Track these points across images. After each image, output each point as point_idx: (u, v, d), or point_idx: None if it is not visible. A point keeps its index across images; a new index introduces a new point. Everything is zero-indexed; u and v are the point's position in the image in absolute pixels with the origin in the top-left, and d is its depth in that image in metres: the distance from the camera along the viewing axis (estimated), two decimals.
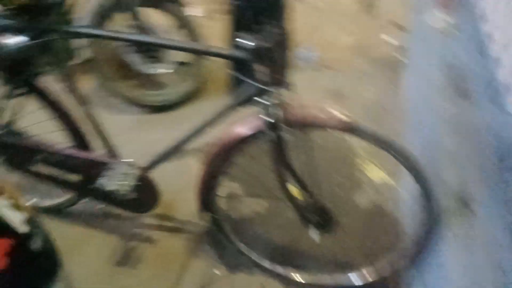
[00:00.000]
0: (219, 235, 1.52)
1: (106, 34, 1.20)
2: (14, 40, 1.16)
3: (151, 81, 2.30)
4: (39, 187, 1.62)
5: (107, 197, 1.43)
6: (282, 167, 1.21)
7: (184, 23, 2.10)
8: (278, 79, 1.07)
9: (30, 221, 0.74)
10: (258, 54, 1.00)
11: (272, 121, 1.08)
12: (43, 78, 1.34)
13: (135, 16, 1.95)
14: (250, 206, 1.77)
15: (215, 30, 2.17)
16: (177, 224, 1.74)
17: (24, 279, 0.76)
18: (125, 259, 1.62)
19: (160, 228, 1.73)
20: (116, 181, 1.30)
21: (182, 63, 2.20)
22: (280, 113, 1.08)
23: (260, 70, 1.03)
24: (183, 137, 1.26)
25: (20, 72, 1.28)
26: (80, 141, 1.44)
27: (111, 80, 2.19)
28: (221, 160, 1.27)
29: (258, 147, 1.21)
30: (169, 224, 1.75)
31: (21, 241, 0.72)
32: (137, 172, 1.34)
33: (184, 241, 1.67)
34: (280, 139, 1.13)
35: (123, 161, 1.34)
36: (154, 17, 2.07)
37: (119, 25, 1.98)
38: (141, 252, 1.64)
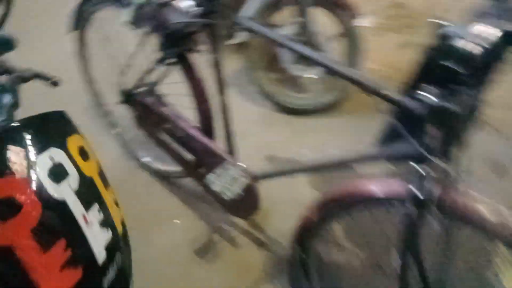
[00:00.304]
0: (302, 273, 1.35)
1: (267, 34, 1.09)
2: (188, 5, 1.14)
3: (293, 82, 2.19)
4: (156, 150, 1.66)
5: (209, 189, 1.38)
6: (407, 247, 0.98)
7: (349, 33, 1.92)
8: (448, 151, 0.84)
9: (115, 242, 0.59)
10: (438, 115, 0.78)
11: (421, 197, 0.85)
12: (194, 54, 1.31)
13: (302, 13, 1.85)
14: (349, 264, 1.56)
15: (378, 47, 1.94)
16: (265, 239, 1.63)
17: None
18: (205, 250, 1.58)
19: (247, 234, 1.64)
20: (222, 182, 1.23)
21: None
22: (435, 191, 0.85)
23: (432, 133, 0.81)
24: (311, 165, 1.11)
25: (178, 44, 1.27)
26: (206, 126, 1.40)
27: (256, 69, 2.14)
28: (338, 206, 1.09)
29: (387, 212, 1.00)
30: (257, 234, 1.64)
31: (93, 274, 0.54)
32: (246, 181, 1.24)
33: (265, 259, 1.56)
34: (421, 219, 0.90)
35: (237, 164, 1.26)
36: (320, 18, 1.93)
37: (285, 18, 1.91)
38: (221, 250, 1.58)
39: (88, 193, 0.55)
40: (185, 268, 1.53)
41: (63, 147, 0.55)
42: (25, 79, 0.71)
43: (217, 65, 1.24)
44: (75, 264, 0.49)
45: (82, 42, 1.74)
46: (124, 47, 1.50)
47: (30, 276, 0.44)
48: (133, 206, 1.69)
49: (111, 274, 0.54)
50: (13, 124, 0.52)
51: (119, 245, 0.58)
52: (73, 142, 0.57)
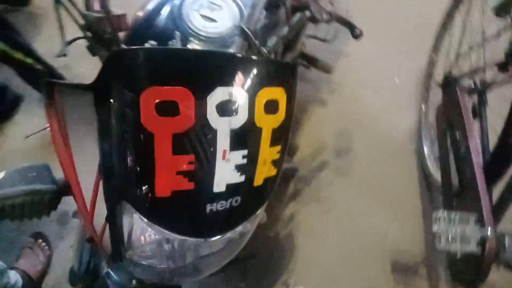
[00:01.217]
0: None
1: None
2: None
3: None
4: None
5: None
6: None
7: None
8: None
9: (241, 188, 0.61)
10: None
11: None
12: None
13: None
14: None
15: None
16: None
17: None
18: (401, 268, 1.42)
19: None
20: (447, 229, 0.95)
21: None
22: None
23: None
24: None
25: None
26: (494, 165, 1.08)
27: None
28: None
29: None
30: None
31: (201, 195, 0.59)
32: (477, 251, 0.93)
33: None
34: None
35: (485, 228, 0.94)
36: None
37: None
38: (416, 284, 1.38)
39: (245, 138, 0.58)
40: (370, 259, 1.45)
41: (252, 93, 0.57)
42: (319, 20, 0.73)
43: None
44: (190, 178, 0.56)
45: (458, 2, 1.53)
46: (485, 29, 1.26)
47: (152, 159, 0.54)
48: (376, 176, 1.65)
49: (217, 206, 0.58)
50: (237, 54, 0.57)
51: (244, 192, 0.60)
52: (267, 93, 0.57)
